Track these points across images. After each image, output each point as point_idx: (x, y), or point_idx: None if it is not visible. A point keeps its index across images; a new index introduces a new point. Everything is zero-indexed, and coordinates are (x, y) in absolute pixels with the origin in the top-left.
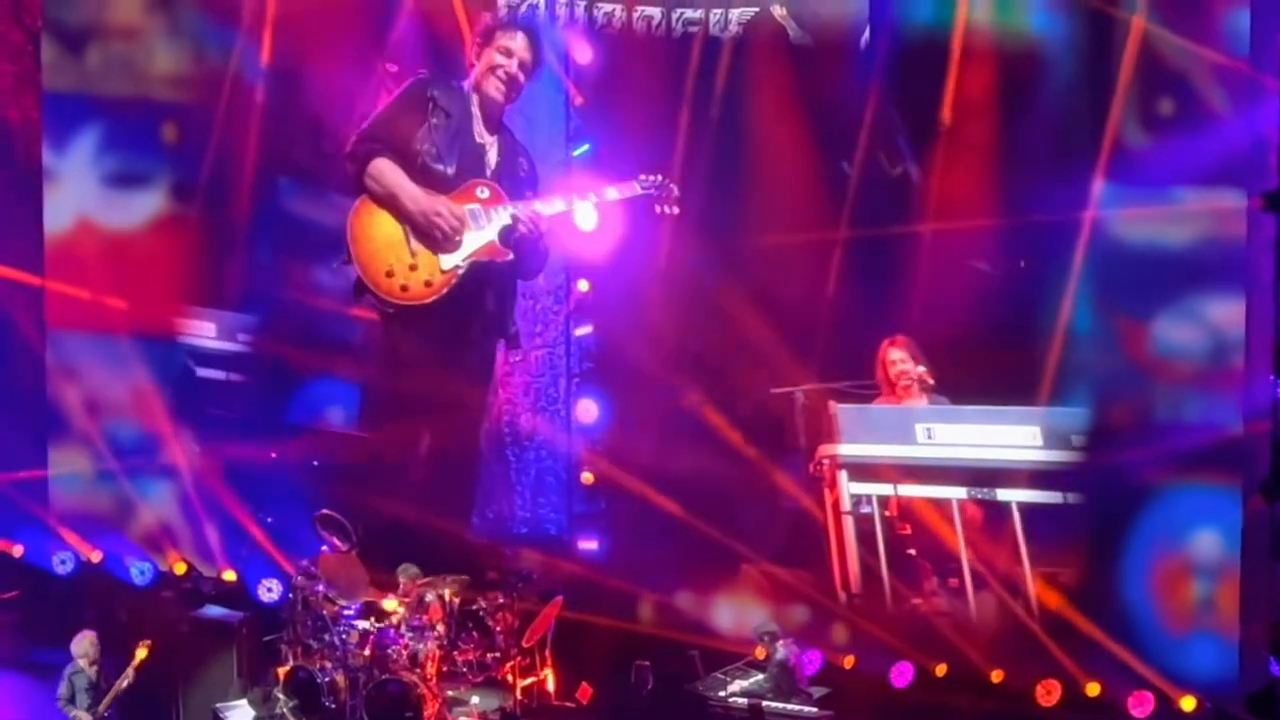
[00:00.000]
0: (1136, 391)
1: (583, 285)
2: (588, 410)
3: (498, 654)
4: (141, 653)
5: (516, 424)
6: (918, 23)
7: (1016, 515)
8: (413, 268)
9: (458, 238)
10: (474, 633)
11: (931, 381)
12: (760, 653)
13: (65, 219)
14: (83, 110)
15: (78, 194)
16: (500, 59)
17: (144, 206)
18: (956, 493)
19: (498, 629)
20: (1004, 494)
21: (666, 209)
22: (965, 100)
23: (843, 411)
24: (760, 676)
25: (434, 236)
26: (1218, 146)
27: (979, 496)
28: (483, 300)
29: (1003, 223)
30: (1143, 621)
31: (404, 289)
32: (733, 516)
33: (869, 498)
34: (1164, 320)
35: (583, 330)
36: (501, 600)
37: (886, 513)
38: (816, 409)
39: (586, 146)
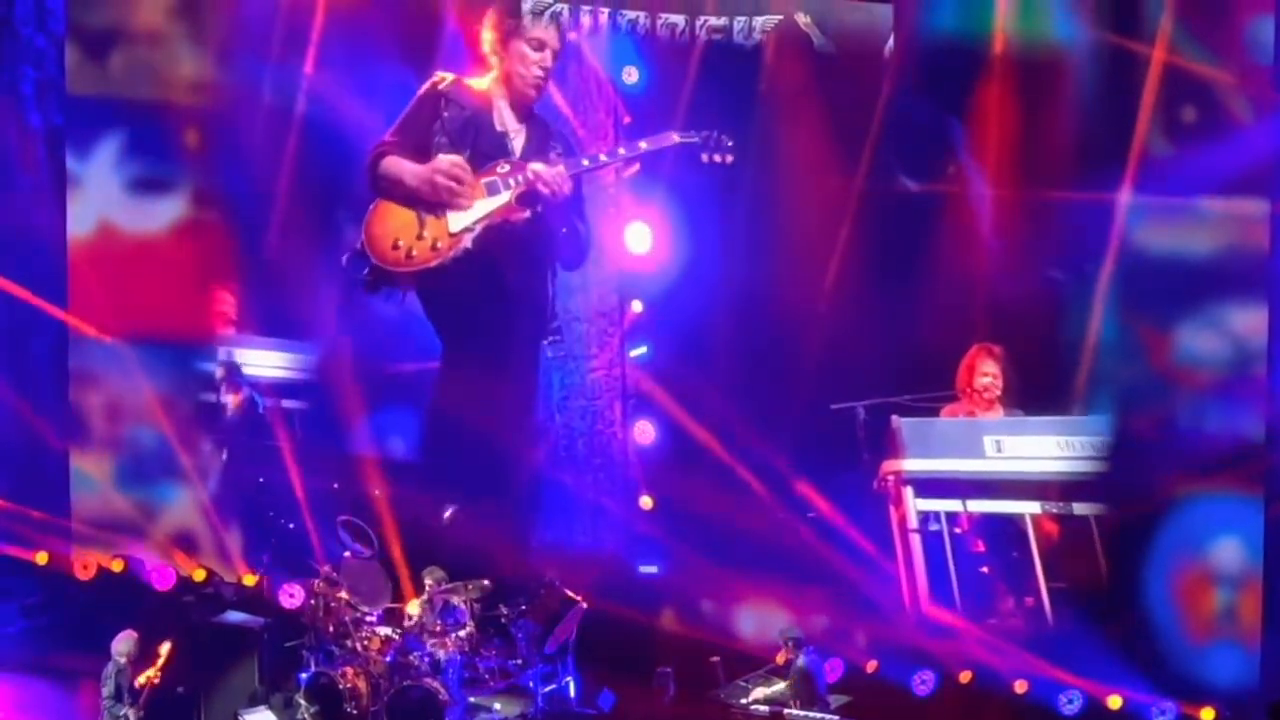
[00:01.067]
0: (1160, 400)
1: (636, 306)
2: (644, 432)
3: (520, 661)
4: (165, 651)
5: (574, 447)
6: (943, 32)
7: (1095, 529)
8: (419, 236)
9: (465, 189)
10: (495, 639)
11: (999, 393)
12: (781, 657)
13: (88, 224)
14: (106, 115)
15: (100, 199)
16: (532, 52)
17: (166, 212)
18: (1030, 507)
19: (519, 636)
20: (1081, 508)
21: (717, 158)
22: (990, 110)
23: (906, 426)
24: (781, 684)
25: (441, 196)
26: (1241, 155)
27: (1054, 511)
28: (517, 289)
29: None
30: (1164, 630)
31: (410, 256)
32: (793, 535)
33: (937, 514)
34: (1187, 329)
35: (638, 351)
36: (524, 607)
37: (956, 530)
38: (878, 424)
39: (637, 167)
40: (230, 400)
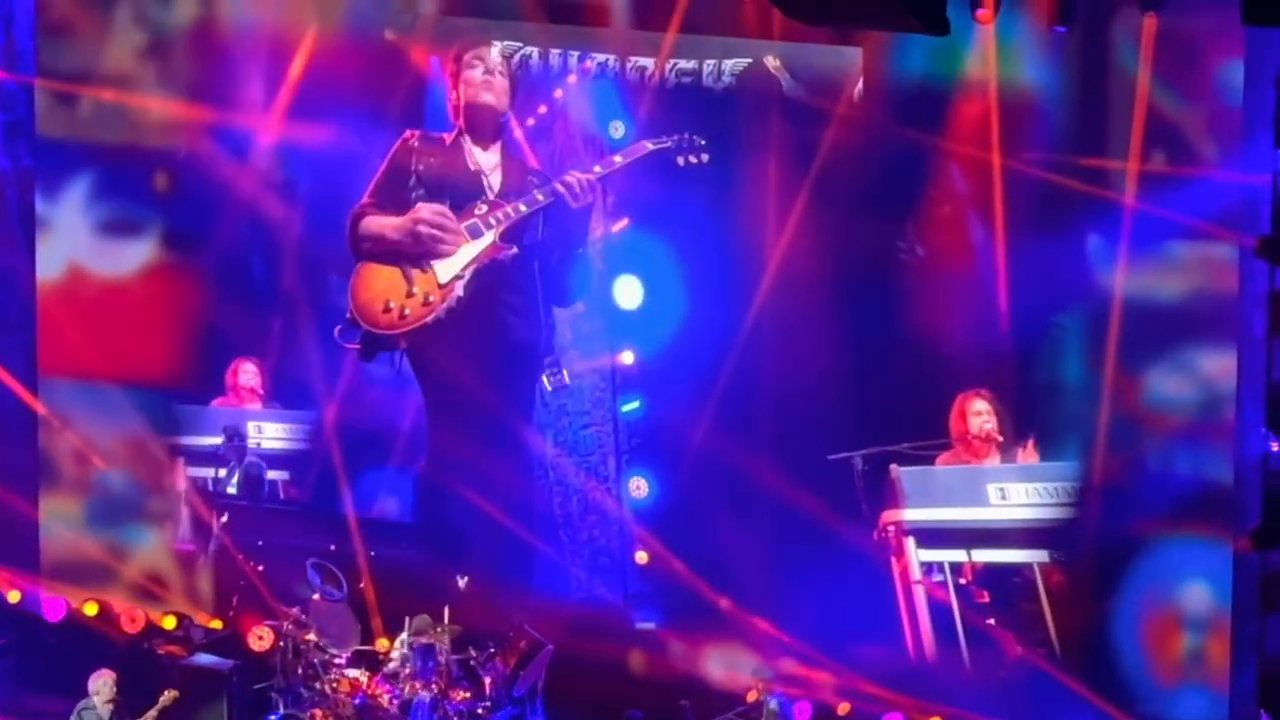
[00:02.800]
0: (1128, 443)
1: (627, 357)
2: (639, 487)
3: (488, 703)
4: (166, 700)
5: (568, 505)
6: (913, 75)
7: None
8: (409, 294)
9: (448, 235)
10: (465, 681)
11: (1001, 438)
12: (752, 696)
13: (57, 266)
14: (75, 158)
15: (70, 242)
16: (474, 72)
17: (136, 255)
18: (1037, 556)
19: (489, 678)
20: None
21: (693, 159)
22: (960, 154)
23: (906, 475)
24: None
25: (426, 246)
26: (1210, 198)
27: (1062, 559)
28: (514, 330)
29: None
30: (1133, 672)
31: (403, 316)
32: (791, 590)
33: (940, 565)
34: (1156, 373)
35: (630, 406)
36: (493, 650)
37: (961, 580)
38: (877, 474)
39: (625, 221)
40: (231, 465)
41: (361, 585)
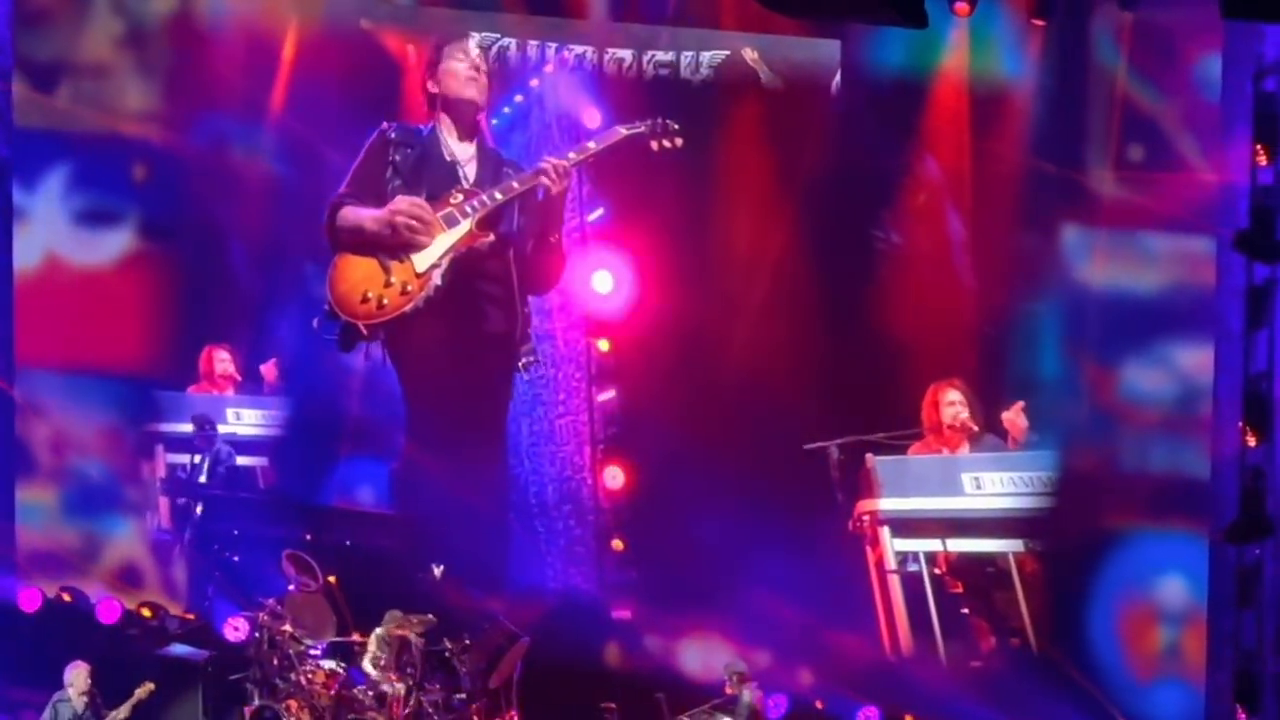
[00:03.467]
0: (1104, 437)
1: (603, 344)
2: (614, 477)
3: (463, 695)
4: (141, 692)
5: (544, 494)
6: (891, 68)
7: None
8: (388, 284)
9: (425, 226)
10: (440, 673)
11: (976, 428)
12: (729, 689)
13: (35, 256)
14: (53, 148)
15: (47, 231)
16: (458, 65)
17: (113, 244)
18: (1012, 545)
19: (463, 670)
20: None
21: (666, 143)
22: (937, 146)
23: (881, 464)
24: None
25: (403, 236)
26: (1187, 192)
27: (1037, 550)
28: (491, 318)
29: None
30: (1108, 667)
31: (381, 305)
32: (766, 579)
33: (915, 554)
34: (1132, 366)
35: (605, 395)
36: (468, 641)
37: (936, 570)
38: (853, 464)
39: (601, 211)
40: (203, 454)
41: (336, 575)
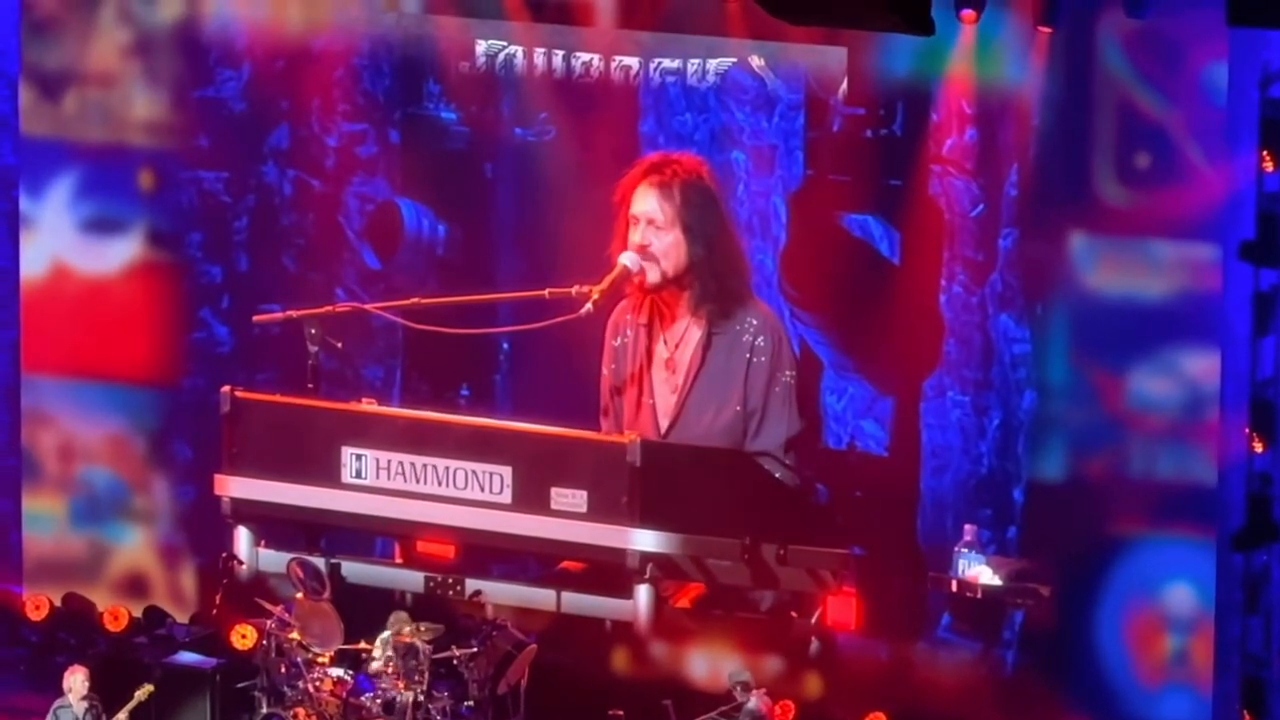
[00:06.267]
0: (1112, 444)
1: None
2: None
3: (471, 702)
4: (141, 694)
5: None
6: (897, 75)
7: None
8: None
9: None
10: (447, 680)
11: None
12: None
13: (42, 264)
14: (60, 156)
15: (54, 240)
16: None
17: (121, 252)
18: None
19: (471, 677)
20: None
21: None
22: (942, 153)
23: None
24: None
25: None
26: (1194, 199)
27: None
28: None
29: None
30: (1115, 674)
31: None
32: None
33: None
34: (1140, 373)
35: None
36: (475, 648)
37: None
38: None
39: None
40: None
41: (344, 583)
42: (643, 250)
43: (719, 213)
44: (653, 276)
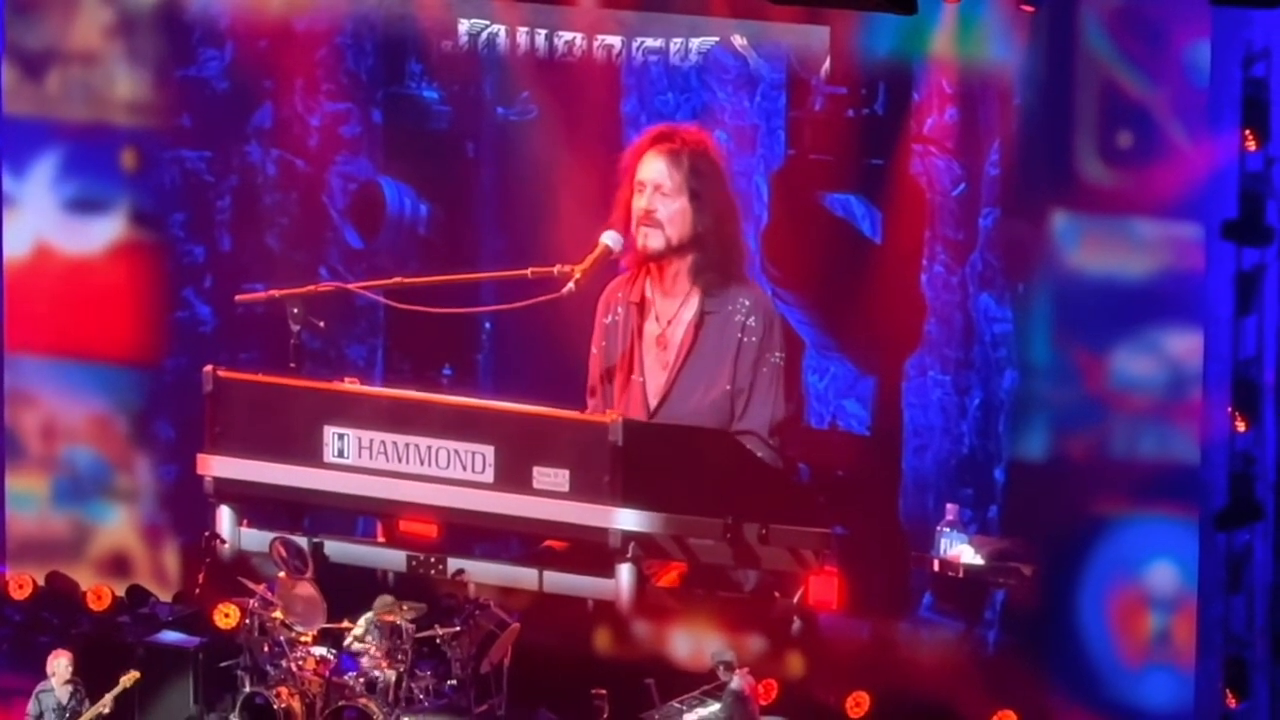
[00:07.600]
0: (1094, 423)
1: None
2: None
3: (454, 681)
4: (126, 681)
5: None
6: (880, 54)
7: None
8: None
9: None
10: (430, 659)
11: None
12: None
13: (24, 244)
14: (42, 135)
15: (37, 219)
16: None
17: (104, 232)
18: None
19: (454, 656)
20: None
21: None
22: (924, 131)
23: None
24: (716, 706)
25: None
26: (1176, 178)
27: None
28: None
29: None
30: (1098, 653)
31: None
32: None
33: None
34: (1122, 353)
35: None
36: (458, 627)
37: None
38: None
39: None
40: None
41: (327, 562)
42: (648, 216)
43: (724, 185)
44: (656, 243)
